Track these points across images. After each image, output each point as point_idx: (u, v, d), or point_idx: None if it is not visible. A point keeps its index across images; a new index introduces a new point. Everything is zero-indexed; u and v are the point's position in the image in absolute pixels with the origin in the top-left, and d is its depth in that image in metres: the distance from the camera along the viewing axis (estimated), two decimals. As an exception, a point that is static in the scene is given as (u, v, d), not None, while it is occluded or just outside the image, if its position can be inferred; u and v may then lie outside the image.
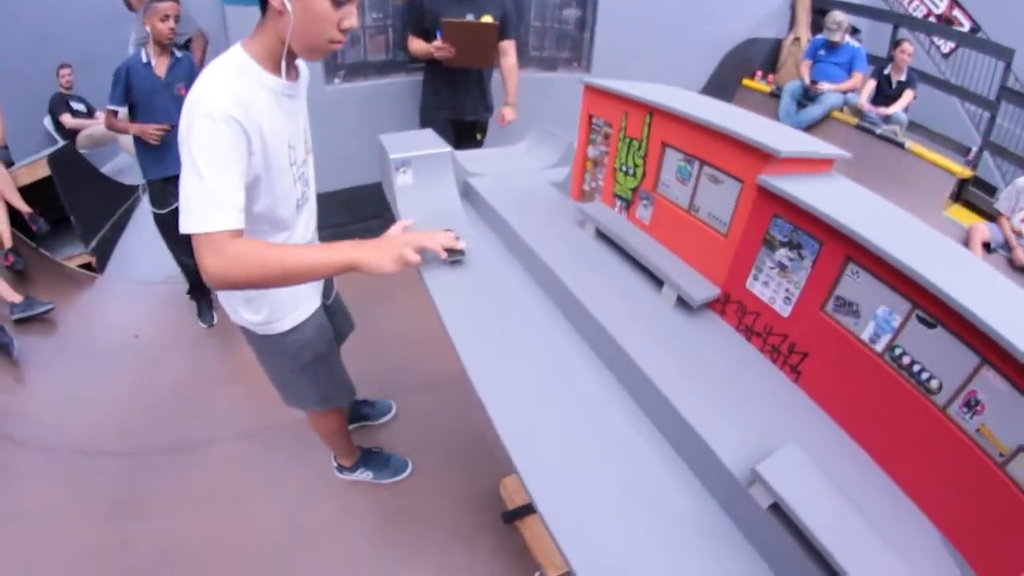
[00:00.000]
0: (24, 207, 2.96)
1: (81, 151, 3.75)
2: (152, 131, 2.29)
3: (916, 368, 0.68)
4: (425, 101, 2.75)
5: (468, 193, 1.22)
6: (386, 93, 2.98)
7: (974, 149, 3.97)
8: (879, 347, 0.71)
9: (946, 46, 4.92)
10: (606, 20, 3.48)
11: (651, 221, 0.97)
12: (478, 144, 2.82)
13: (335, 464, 1.84)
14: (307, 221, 1.21)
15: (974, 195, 3.84)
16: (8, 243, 2.87)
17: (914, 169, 3.75)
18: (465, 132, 2.76)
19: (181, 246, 2.51)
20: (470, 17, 2.48)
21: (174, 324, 2.83)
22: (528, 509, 1.68)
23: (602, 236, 1.01)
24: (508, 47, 2.61)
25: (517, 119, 2.73)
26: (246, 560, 1.71)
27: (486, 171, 1.29)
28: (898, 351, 0.69)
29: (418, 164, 1.15)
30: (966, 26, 4.89)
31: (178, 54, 2.34)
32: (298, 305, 1.24)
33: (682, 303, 0.87)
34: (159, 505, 1.90)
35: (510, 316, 0.90)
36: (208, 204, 0.87)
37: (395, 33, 2.97)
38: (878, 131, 3.90)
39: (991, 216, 3.47)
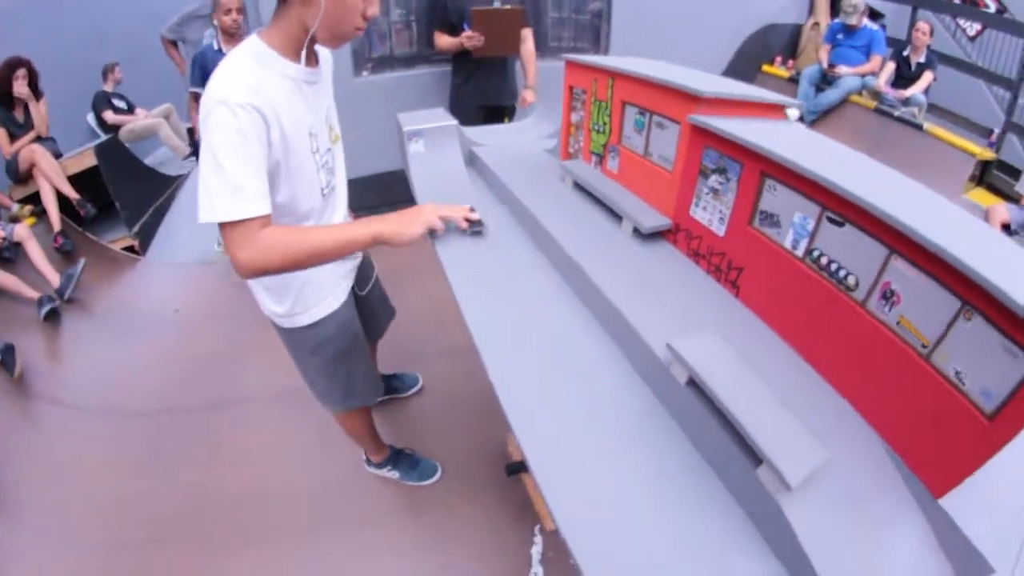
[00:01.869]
0: (73, 193, 3.37)
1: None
2: None
3: (834, 267, 0.77)
4: (456, 90, 3.04)
5: (473, 161, 1.48)
6: (412, 84, 3.30)
7: (996, 131, 4.01)
8: (799, 252, 0.81)
9: (972, 28, 4.95)
10: (622, 10, 3.72)
11: (619, 170, 1.21)
12: None
13: (364, 457, 1.93)
14: (336, 210, 1.23)
15: (998, 178, 3.87)
16: (57, 226, 3.27)
17: (932, 151, 3.83)
18: (494, 117, 3.05)
19: None
20: (495, 4, 2.76)
21: (212, 301, 3.13)
22: None
23: (579, 187, 1.26)
24: (527, 34, 2.90)
25: (537, 101, 2.96)
26: (272, 511, 1.88)
27: (493, 143, 1.55)
28: (816, 253, 0.79)
29: (428, 135, 1.42)
30: (992, 7, 4.93)
31: None
32: (322, 299, 1.27)
33: (639, 234, 1.07)
34: (189, 460, 2.10)
35: (500, 257, 1.11)
36: (232, 193, 0.90)
37: (419, 27, 3.29)
38: (896, 113, 4.01)
39: (1015, 199, 3.50)
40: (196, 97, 2.79)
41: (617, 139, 1.19)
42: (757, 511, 0.66)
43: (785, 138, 0.86)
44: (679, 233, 1.06)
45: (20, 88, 3.28)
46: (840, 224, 0.75)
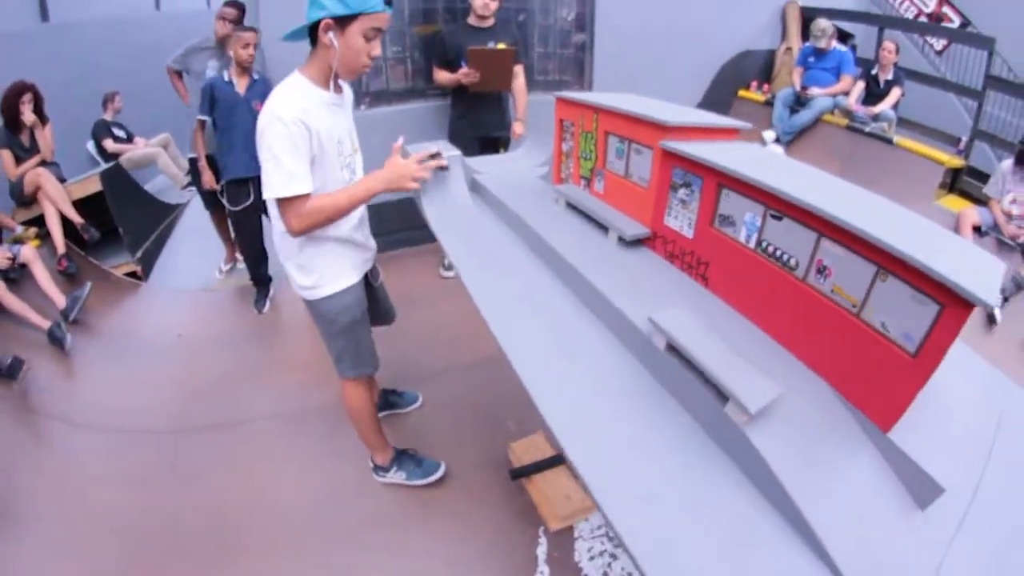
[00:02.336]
0: (77, 218, 3.44)
1: (124, 171, 4.30)
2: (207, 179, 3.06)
3: (779, 253, 0.94)
4: (454, 123, 3.29)
5: (475, 186, 1.65)
6: (408, 117, 3.51)
7: (964, 139, 4.27)
8: (751, 244, 0.99)
9: (939, 43, 5.27)
10: (603, 44, 3.96)
11: (604, 190, 1.38)
12: None
13: (372, 465, 2.07)
14: None
15: (968, 184, 4.10)
16: (62, 249, 3.35)
17: (903, 162, 4.07)
18: (490, 147, 3.28)
19: (249, 240, 2.96)
20: (490, 45, 3.01)
21: (215, 327, 3.25)
22: (534, 468, 1.98)
23: (570, 206, 1.43)
24: (518, 70, 3.15)
25: (526, 133, 3.21)
26: (279, 519, 1.96)
27: (489, 171, 1.72)
28: (764, 244, 0.97)
29: (435, 165, 1.59)
30: (956, 22, 5.24)
31: (255, 76, 2.91)
32: (340, 275, 1.63)
33: (623, 242, 1.25)
34: (198, 475, 2.18)
35: (505, 267, 1.29)
36: (287, 178, 1.34)
37: (414, 64, 3.52)
38: (867, 129, 4.25)
39: (984, 202, 3.70)
40: (203, 124, 2.98)
41: (602, 164, 1.36)
42: (731, 445, 0.81)
43: (733, 155, 1.05)
44: (656, 239, 1.25)
45: (27, 113, 3.36)
46: (780, 219, 0.93)
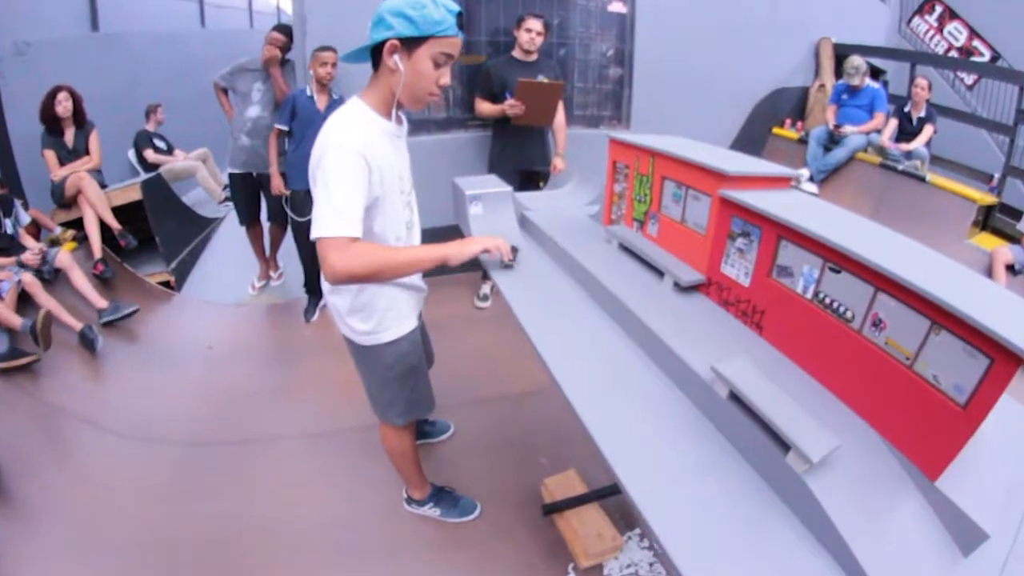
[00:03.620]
0: (115, 224, 3.53)
1: (163, 183, 4.44)
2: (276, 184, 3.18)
3: (836, 305, 0.96)
4: (495, 155, 3.36)
5: (524, 223, 1.72)
6: (447, 147, 3.59)
7: (996, 176, 4.25)
8: (808, 295, 1.02)
9: (969, 78, 5.29)
10: (642, 81, 4.04)
11: (658, 234, 1.43)
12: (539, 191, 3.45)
13: (405, 496, 2.02)
14: (414, 242, 1.50)
15: (1001, 221, 4.08)
16: (99, 253, 3.41)
17: (936, 200, 4.05)
18: (530, 181, 3.35)
19: (312, 248, 2.99)
20: (539, 78, 3.09)
21: (245, 341, 3.29)
22: (566, 504, 1.98)
23: (623, 248, 1.47)
24: (559, 106, 3.21)
25: (566, 168, 3.30)
26: (299, 539, 1.94)
27: (538, 207, 1.78)
28: (822, 295, 0.99)
29: (486, 200, 1.67)
30: (986, 55, 5.26)
31: (335, 96, 3.09)
32: (401, 320, 1.52)
33: (678, 287, 1.30)
34: (219, 488, 2.17)
35: (558, 304, 1.35)
36: (336, 215, 1.16)
37: (455, 93, 3.62)
38: (900, 167, 4.24)
39: (1017, 239, 3.68)
40: (279, 133, 3.11)
41: (657, 208, 1.41)
42: (788, 491, 0.85)
43: (794, 207, 1.09)
44: (711, 286, 1.29)
45: (64, 107, 3.47)
46: (838, 272, 0.97)
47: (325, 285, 1.47)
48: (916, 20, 5.71)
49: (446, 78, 1.28)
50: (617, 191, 1.56)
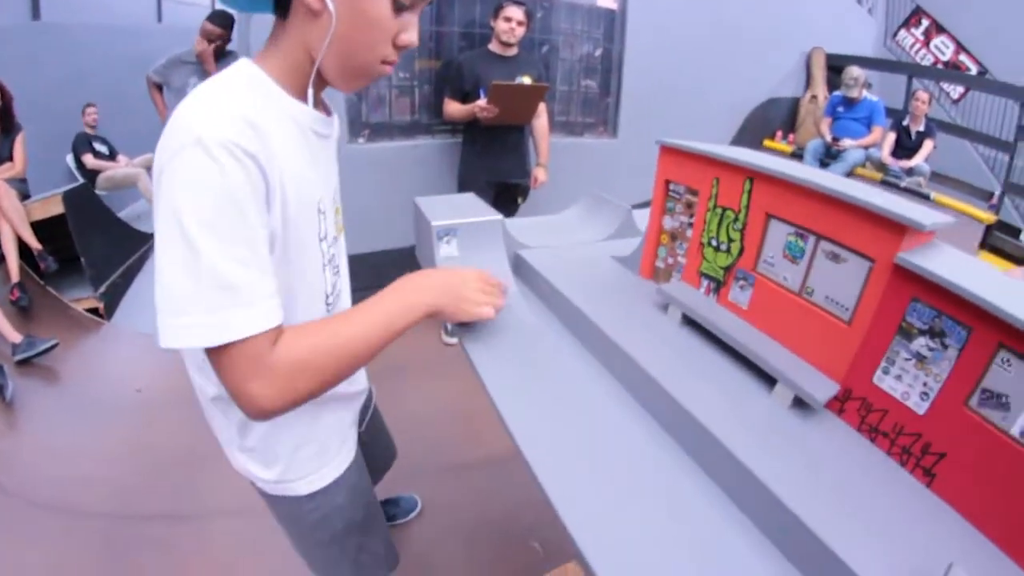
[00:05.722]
0: (35, 243, 2.86)
1: (99, 192, 3.67)
2: None
3: None
4: (466, 163, 2.66)
5: (519, 267, 1.06)
6: (412, 155, 2.89)
7: (996, 193, 3.90)
8: None
9: (955, 92, 4.94)
10: (630, 86, 3.45)
11: (749, 305, 0.80)
12: (517, 208, 2.75)
13: None
14: None
15: (999, 239, 3.77)
16: (16, 277, 2.76)
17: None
18: (506, 196, 2.68)
19: None
20: (517, 79, 2.47)
21: (179, 382, 2.59)
22: None
23: (689, 322, 0.84)
24: (541, 109, 2.58)
25: (548, 181, 2.69)
26: None
27: (535, 242, 1.13)
28: None
29: (464, 233, 0.99)
30: (973, 70, 4.93)
31: None
32: (325, 462, 0.88)
33: (797, 403, 0.71)
34: None
35: (586, 413, 0.73)
36: (219, 298, 0.54)
37: (421, 94, 2.91)
38: (902, 184, 3.81)
39: (1020, 260, 3.44)
40: None
41: (753, 264, 0.79)
42: None
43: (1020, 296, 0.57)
44: (849, 402, 0.71)
45: None
46: None
47: (209, 421, 0.86)
48: (902, 33, 5.26)
49: (412, 33, 0.65)
50: (669, 227, 0.92)
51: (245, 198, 0.55)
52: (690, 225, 0.88)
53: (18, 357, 2.45)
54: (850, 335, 0.69)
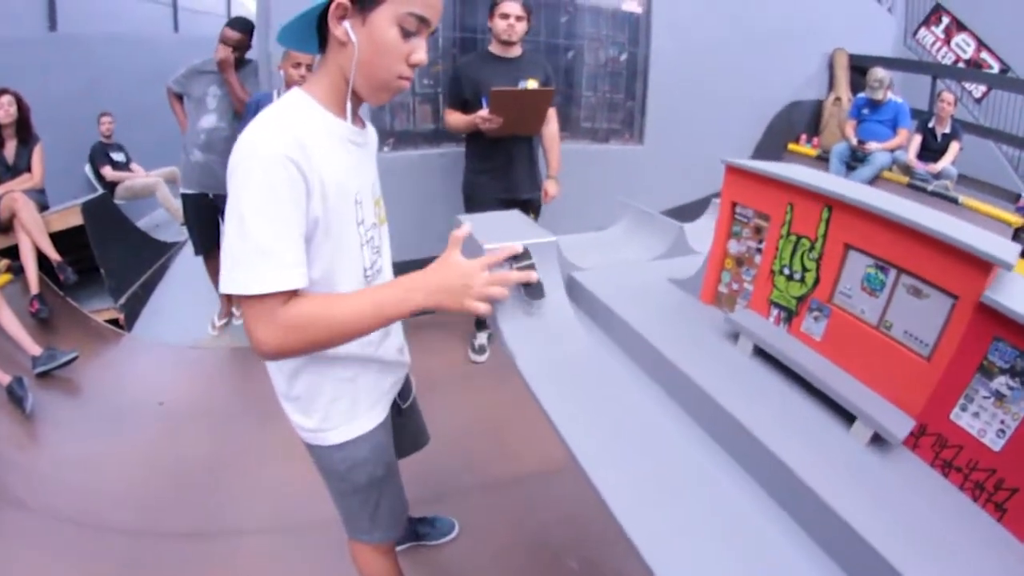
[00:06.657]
0: (54, 254, 2.86)
1: (118, 202, 3.70)
2: None
3: None
4: (472, 179, 2.48)
5: (572, 289, 1.04)
6: (436, 163, 2.83)
7: (1022, 195, 3.83)
8: None
9: (978, 91, 4.88)
10: (656, 90, 3.42)
11: (823, 337, 0.78)
12: None
13: None
14: None
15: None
16: (35, 289, 2.76)
17: (971, 224, 3.61)
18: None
19: None
20: (526, 85, 2.30)
21: (202, 394, 2.64)
22: None
23: (759, 352, 0.82)
24: (551, 115, 2.40)
25: (559, 195, 2.53)
26: None
27: (582, 260, 1.12)
28: None
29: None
30: (995, 68, 4.86)
31: None
32: (354, 417, 1.03)
33: (875, 439, 0.70)
34: None
35: (653, 440, 0.72)
36: (256, 260, 0.72)
37: (444, 101, 2.89)
38: (930, 188, 3.74)
39: None
40: None
41: (827, 295, 0.77)
42: None
43: None
44: (924, 437, 0.71)
45: (6, 112, 2.85)
46: None
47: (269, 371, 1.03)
48: (922, 31, 5.19)
49: (421, 53, 0.82)
50: (735, 252, 0.90)
51: (285, 193, 0.74)
52: (758, 251, 0.86)
53: (39, 369, 2.46)
54: (929, 371, 0.68)
